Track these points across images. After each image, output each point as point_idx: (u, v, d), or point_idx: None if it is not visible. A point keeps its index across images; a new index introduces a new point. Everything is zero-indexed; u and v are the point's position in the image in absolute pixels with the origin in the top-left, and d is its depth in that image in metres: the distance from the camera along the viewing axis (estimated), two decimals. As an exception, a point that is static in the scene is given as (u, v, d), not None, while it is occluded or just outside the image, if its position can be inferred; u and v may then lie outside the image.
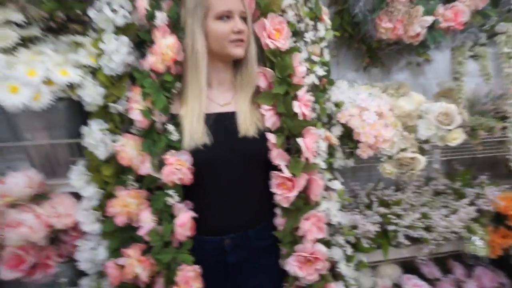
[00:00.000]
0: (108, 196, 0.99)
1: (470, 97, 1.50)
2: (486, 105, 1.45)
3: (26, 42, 0.97)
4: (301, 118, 1.00)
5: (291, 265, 0.99)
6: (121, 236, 0.98)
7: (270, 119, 1.00)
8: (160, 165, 0.93)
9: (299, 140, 0.98)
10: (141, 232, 0.93)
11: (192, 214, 0.95)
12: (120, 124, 1.01)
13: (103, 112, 1.00)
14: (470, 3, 1.33)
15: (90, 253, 1.02)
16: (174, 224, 0.92)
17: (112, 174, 1.00)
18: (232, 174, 0.98)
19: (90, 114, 1.00)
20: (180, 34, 0.95)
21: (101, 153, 0.97)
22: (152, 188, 0.97)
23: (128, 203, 0.94)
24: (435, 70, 1.69)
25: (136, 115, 0.92)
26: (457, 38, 1.43)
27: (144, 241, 0.95)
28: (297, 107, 0.99)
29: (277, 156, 0.99)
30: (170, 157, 0.91)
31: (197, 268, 0.94)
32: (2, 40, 0.92)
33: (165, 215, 0.93)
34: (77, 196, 1.07)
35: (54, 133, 1.06)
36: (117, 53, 0.96)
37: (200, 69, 0.94)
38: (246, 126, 0.97)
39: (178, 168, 0.90)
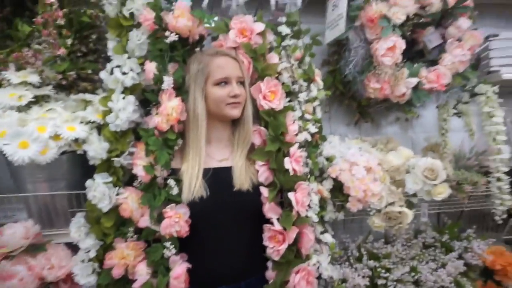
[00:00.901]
0: (106, 248, 1.02)
1: (456, 152, 1.58)
2: (470, 160, 1.53)
3: (39, 100, 1.05)
4: (292, 173, 1.05)
5: None
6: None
7: (263, 174, 1.06)
8: (158, 218, 0.97)
9: (290, 195, 1.03)
10: (136, 285, 0.95)
11: (187, 265, 0.98)
12: (122, 176, 1.06)
13: (106, 166, 1.05)
14: (451, 66, 1.44)
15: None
16: (170, 277, 0.94)
17: (111, 226, 1.03)
18: (227, 226, 1.02)
19: (94, 168, 1.05)
20: (184, 96, 1.03)
21: (105, 206, 1.01)
22: (150, 240, 1.00)
23: (126, 255, 0.97)
24: (423, 125, 1.78)
25: (139, 170, 0.98)
26: (441, 97, 1.53)
27: None
28: (288, 163, 1.05)
29: (270, 210, 1.03)
30: (170, 211, 0.95)
31: None
32: (18, 100, 0.99)
33: (161, 267, 0.96)
34: (71, 246, 1.10)
35: (55, 184, 1.10)
36: (124, 111, 1.03)
37: (200, 129, 1.02)
38: (241, 180, 1.03)
39: (176, 221, 0.94)
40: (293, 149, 1.08)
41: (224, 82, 1.04)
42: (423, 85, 1.42)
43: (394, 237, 1.46)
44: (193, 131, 1.03)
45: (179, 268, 0.95)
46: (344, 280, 1.28)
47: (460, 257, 1.41)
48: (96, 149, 1.04)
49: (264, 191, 1.03)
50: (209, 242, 1.01)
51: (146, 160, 0.98)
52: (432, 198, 1.28)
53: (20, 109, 1.00)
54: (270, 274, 1.05)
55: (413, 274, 1.33)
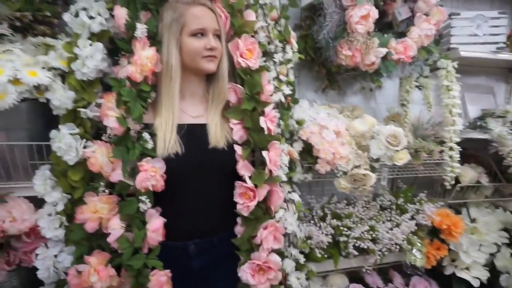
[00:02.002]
0: (74, 201, 0.97)
1: (414, 122, 1.68)
2: (427, 130, 1.63)
3: (-7, 39, 0.94)
4: (266, 132, 1.05)
5: (244, 272, 1.01)
6: (88, 243, 0.96)
7: (238, 132, 1.05)
8: (132, 172, 0.93)
9: (264, 153, 1.03)
10: (110, 239, 0.92)
11: (163, 219, 0.97)
12: (90, 129, 1.00)
13: (72, 116, 0.98)
14: (417, 39, 1.50)
15: (51, 261, 0.98)
16: (147, 230, 0.93)
17: (80, 179, 0.99)
18: (201, 183, 1.01)
19: (59, 118, 0.98)
20: (158, 46, 0.98)
21: (71, 159, 0.95)
22: (123, 194, 0.96)
23: (99, 209, 0.93)
24: (385, 96, 1.86)
25: (112, 122, 0.92)
26: (406, 69, 1.60)
27: (110, 249, 0.94)
28: (263, 122, 1.05)
29: (243, 167, 1.03)
30: (146, 164, 0.92)
31: (168, 272, 0.95)
32: (-31, 36, 0.88)
33: (136, 221, 0.93)
34: (32, 200, 1.04)
35: (13, 134, 1.02)
36: (91, 58, 0.96)
37: (174, 81, 0.98)
38: (216, 138, 1.02)
39: (152, 174, 0.92)
40: (268, 109, 1.08)
41: (201, 33, 1.00)
42: (392, 55, 1.47)
43: (355, 199, 1.55)
44: (167, 84, 0.98)
45: (157, 221, 0.94)
46: (309, 237, 1.35)
47: (412, 218, 1.53)
48: (61, 98, 0.96)
49: (238, 149, 1.03)
50: (183, 198, 1.01)
51: (118, 112, 0.93)
52: (393, 163, 1.36)
53: (-29, 47, 0.89)
54: (239, 229, 1.06)
55: (371, 232, 1.43)
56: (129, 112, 0.93)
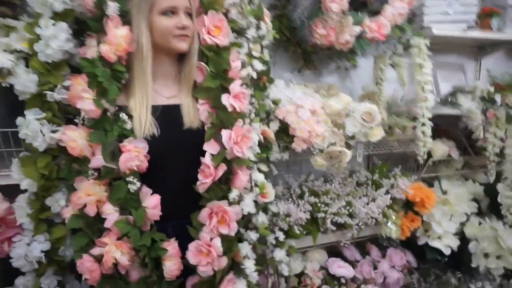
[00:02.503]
0: (43, 188, 0.95)
1: (389, 100, 1.71)
2: (401, 108, 1.67)
3: None
4: (230, 110, 1.01)
5: (189, 250, 0.97)
6: (90, 230, 0.93)
7: (204, 112, 1.03)
8: (112, 155, 0.91)
9: (223, 131, 0.99)
10: (107, 224, 0.90)
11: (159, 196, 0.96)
12: (58, 112, 0.96)
13: (39, 101, 0.95)
14: (391, 18, 1.51)
15: (22, 249, 0.96)
16: (146, 208, 0.93)
17: (45, 166, 0.95)
18: (177, 164, 1.01)
19: (24, 103, 0.94)
20: (128, 25, 0.95)
21: (40, 145, 0.92)
22: (110, 179, 0.94)
23: (96, 192, 0.90)
24: (360, 75, 1.88)
25: (87, 104, 0.89)
26: (380, 47, 1.61)
27: None
28: (225, 100, 1.01)
29: (208, 145, 1.00)
30: (128, 144, 0.90)
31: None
32: None
33: (131, 202, 0.92)
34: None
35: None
36: (55, 39, 0.92)
37: (146, 61, 0.96)
38: (191, 118, 1.02)
39: (136, 154, 0.90)
40: (233, 85, 1.03)
41: (171, 11, 0.97)
42: (366, 34, 1.48)
43: (332, 176, 1.58)
44: (138, 65, 0.96)
45: (154, 198, 0.94)
46: (287, 215, 1.37)
47: (387, 192, 1.58)
48: (24, 82, 0.93)
49: (206, 128, 1.02)
50: (160, 179, 1.00)
51: (93, 94, 0.90)
52: (368, 140, 1.39)
53: None
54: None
55: (348, 207, 1.47)
56: (104, 93, 0.89)
